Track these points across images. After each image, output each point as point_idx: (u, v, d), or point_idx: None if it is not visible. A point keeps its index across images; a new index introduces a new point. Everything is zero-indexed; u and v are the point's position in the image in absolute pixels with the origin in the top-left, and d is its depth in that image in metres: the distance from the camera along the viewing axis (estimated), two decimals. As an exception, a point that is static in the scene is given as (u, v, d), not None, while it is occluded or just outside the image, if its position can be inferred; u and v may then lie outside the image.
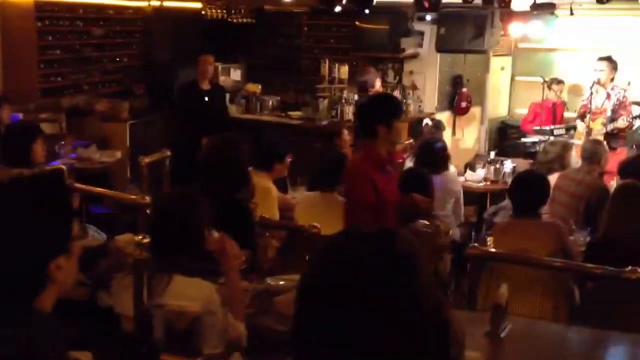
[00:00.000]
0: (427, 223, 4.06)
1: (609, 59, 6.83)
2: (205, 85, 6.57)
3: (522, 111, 8.50)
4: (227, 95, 7.39)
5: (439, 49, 7.04)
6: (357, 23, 7.41)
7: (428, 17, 6.99)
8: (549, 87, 7.53)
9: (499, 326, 2.94)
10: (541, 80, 7.53)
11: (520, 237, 4.07)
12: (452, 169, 5.63)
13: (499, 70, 8.55)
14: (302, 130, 6.77)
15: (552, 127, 7.15)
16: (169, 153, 5.26)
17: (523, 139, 7.61)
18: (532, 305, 3.92)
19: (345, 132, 5.97)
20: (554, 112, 7.48)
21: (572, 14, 6.25)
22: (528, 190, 4.15)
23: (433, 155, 5.28)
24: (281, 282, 3.13)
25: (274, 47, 8.69)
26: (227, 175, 3.39)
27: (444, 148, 5.47)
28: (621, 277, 3.45)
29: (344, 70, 7.09)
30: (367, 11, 6.72)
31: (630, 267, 3.47)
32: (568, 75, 7.83)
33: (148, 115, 7.26)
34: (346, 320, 0.97)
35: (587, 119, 6.69)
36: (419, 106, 7.46)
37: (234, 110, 7.48)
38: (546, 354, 2.91)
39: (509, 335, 2.99)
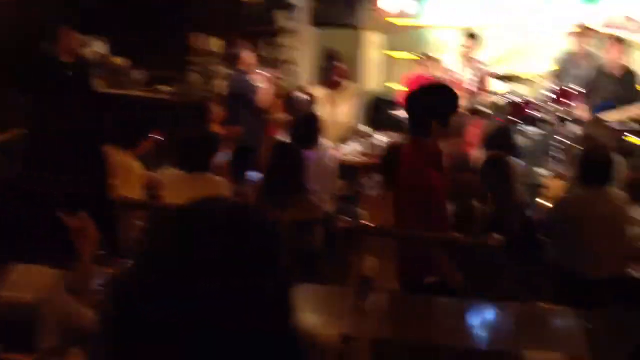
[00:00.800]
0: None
1: (474, 35, 7.06)
2: (68, 59, 6.15)
3: (395, 86, 8.66)
4: (92, 70, 6.95)
5: (313, 23, 6.98)
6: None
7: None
8: (421, 63, 7.68)
9: (364, 299, 2.94)
10: (413, 55, 7.67)
11: (391, 209, 4.11)
12: (327, 143, 5.61)
13: (372, 44, 8.63)
14: (172, 105, 6.51)
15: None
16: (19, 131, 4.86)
17: (396, 113, 7.72)
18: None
19: (216, 107, 5.79)
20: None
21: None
22: (396, 163, 4.19)
23: (308, 130, 5.22)
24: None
25: (143, 19, 8.27)
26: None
27: (319, 123, 5.42)
28: (482, 244, 3.58)
29: (215, 44, 6.87)
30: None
31: (490, 234, 3.61)
32: (439, 50, 8.01)
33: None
34: (195, 290, 0.88)
35: None
36: (294, 80, 7.38)
37: (99, 85, 7.06)
38: (412, 325, 2.95)
39: (376, 307, 3.00)
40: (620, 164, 5.11)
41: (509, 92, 7.02)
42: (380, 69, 8.90)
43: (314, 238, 4.40)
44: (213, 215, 0.96)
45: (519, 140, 6.88)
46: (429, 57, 7.65)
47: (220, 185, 4.35)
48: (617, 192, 4.10)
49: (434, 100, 3.47)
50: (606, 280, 3.78)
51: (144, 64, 7.27)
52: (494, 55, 7.85)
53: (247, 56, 6.46)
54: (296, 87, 7.24)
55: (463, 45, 6.94)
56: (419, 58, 7.56)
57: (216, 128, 5.90)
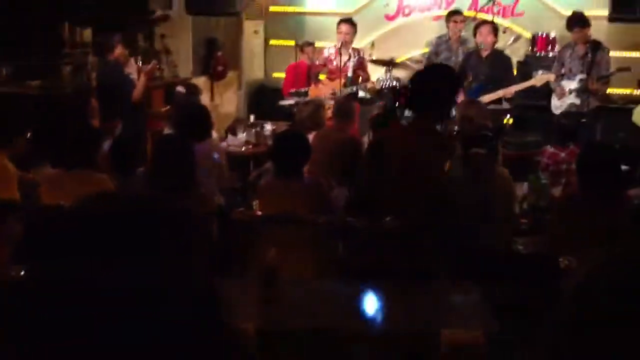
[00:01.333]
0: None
1: (349, 21, 7.12)
2: None
3: (278, 75, 8.62)
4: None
5: (189, 11, 6.78)
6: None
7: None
8: (302, 50, 7.69)
9: (269, 290, 2.89)
10: (294, 43, 7.66)
11: (285, 198, 4.07)
12: (214, 134, 5.47)
13: (253, 33, 8.54)
14: (44, 101, 6.09)
15: (307, 89, 7.33)
16: None
17: (281, 102, 7.69)
18: (302, 265, 3.95)
19: (94, 100, 5.48)
20: (309, 74, 7.67)
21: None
22: (289, 151, 4.14)
23: (195, 122, 5.04)
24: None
25: (9, 10, 7.68)
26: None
27: (207, 115, 5.25)
28: (381, 228, 3.62)
29: (87, 34, 6.50)
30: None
31: (388, 218, 3.66)
32: (321, 37, 8.05)
33: None
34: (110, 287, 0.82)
35: (325, 80, 7.03)
36: (174, 71, 7.15)
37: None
38: (316, 312, 2.93)
39: (280, 297, 2.96)
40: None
41: (388, 77, 7.17)
42: (262, 58, 8.83)
43: (209, 232, 4.30)
44: (112, 211, 0.90)
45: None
46: (310, 44, 7.67)
47: (102, 183, 4.13)
48: (501, 169, 4.28)
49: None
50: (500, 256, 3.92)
51: (11, 57, 6.75)
52: (370, 40, 8.00)
53: (119, 47, 6.16)
54: (177, 78, 7.02)
55: (339, 32, 6.99)
56: (300, 45, 7.56)
57: (94, 123, 5.59)
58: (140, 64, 6.43)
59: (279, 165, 4.22)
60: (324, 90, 7.08)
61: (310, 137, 5.43)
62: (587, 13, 6.59)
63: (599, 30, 6.72)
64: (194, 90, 6.14)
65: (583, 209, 3.58)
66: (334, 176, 5.12)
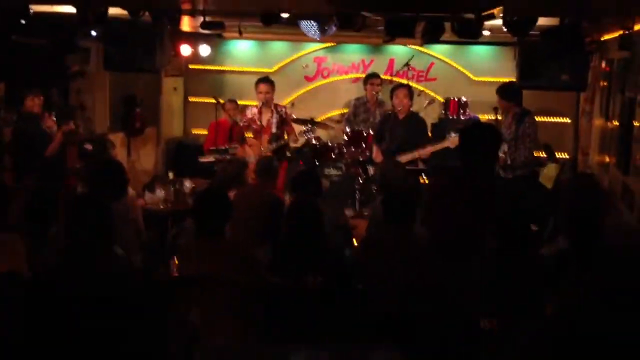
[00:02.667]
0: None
1: (267, 79, 7.22)
2: None
3: (197, 131, 8.59)
4: None
5: (107, 67, 6.67)
6: (13, 37, 6.61)
7: (94, 33, 6.56)
8: (223, 108, 7.71)
9: (191, 353, 2.81)
10: (215, 100, 7.67)
11: (206, 258, 3.97)
12: (131, 192, 5.33)
13: (172, 90, 8.51)
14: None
15: (227, 147, 7.31)
16: None
17: (201, 159, 7.63)
18: (226, 326, 3.85)
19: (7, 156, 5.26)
20: (231, 132, 7.66)
21: (240, 34, 6.47)
22: (211, 210, 4.07)
23: (111, 180, 4.88)
24: None
25: None
26: None
27: (123, 171, 5.11)
28: (302, 287, 3.60)
29: (1, 89, 6.28)
30: (23, 22, 6.01)
31: (310, 275, 3.64)
32: (241, 95, 8.11)
33: None
34: None
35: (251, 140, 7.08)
36: (89, 127, 6.99)
37: None
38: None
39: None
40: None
41: (309, 136, 7.28)
42: (182, 115, 8.79)
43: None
44: None
45: (323, 182, 7.16)
46: (232, 102, 7.70)
47: (10, 245, 3.93)
48: (420, 230, 4.36)
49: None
50: (413, 316, 3.94)
51: None
52: (289, 100, 8.14)
53: (34, 101, 6.00)
54: (92, 134, 6.85)
55: (261, 92, 7.08)
56: (221, 103, 7.57)
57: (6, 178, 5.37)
58: (54, 119, 6.26)
59: (200, 224, 4.14)
60: (252, 150, 7.10)
61: (231, 195, 5.40)
62: (496, 80, 6.97)
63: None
64: (106, 145, 5.98)
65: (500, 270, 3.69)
66: (255, 235, 5.09)
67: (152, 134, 8.06)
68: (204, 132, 7.98)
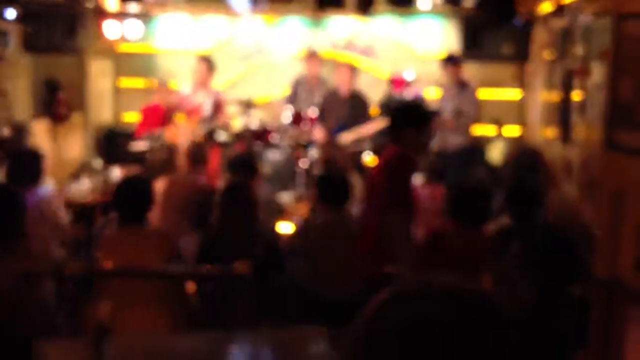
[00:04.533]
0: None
1: (207, 59, 6.88)
2: None
3: (129, 117, 8.13)
4: None
5: (27, 49, 6.22)
6: None
7: (10, 16, 6.07)
8: (156, 90, 7.29)
9: (101, 348, 2.51)
10: (146, 83, 7.27)
11: (129, 247, 3.72)
12: (49, 182, 4.93)
13: (100, 73, 8.00)
14: None
15: (160, 132, 6.92)
16: None
17: (132, 145, 7.20)
18: (148, 318, 3.58)
19: None
20: (164, 116, 7.27)
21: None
22: (132, 197, 3.82)
23: (25, 168, 4.50)
24: None
25: None
26: None
27: (38, 160, 4.70)
28: (230, 273, 3.35)
29: None
30: None
31: (237, 263, 3.39)
32: (173, 76, 7.68)
33: None
34: None
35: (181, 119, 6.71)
36: (9, 114, 6.49)
37: None
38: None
39: (116, 356, 2.59)
40: (358, 183, 5.27)
41: (247, 118, 6.94)
42: (111, 99, 8.29)
43: (41, 289, 3.80)
44: None
45: (262, 166, 6.84)
46: (163, 84, 7.29)
47: None
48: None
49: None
50: (347, 300, 3.76)
51: None
52: (228, 80, 7.77)
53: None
54: (13, 120, 6.37)
55: (196, 71, 6.72)
56: (153, 86, 7.17)
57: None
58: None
59: (122, 213, 3.85)
60: (181, 131, 6.70)
61: (162, 181, 5.07)
62: (439, 54, 6.77)
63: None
64: (21, 132, 5.55)
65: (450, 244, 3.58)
66: (185, 222, 4.81)
67: (79, 121, 7.57)
68: (137, 117, 7.53)
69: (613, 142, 3.36)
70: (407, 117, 3.79)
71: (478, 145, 6.81)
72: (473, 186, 4.16)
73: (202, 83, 6.76)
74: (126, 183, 3.99)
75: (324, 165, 5.25)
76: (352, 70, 6.81)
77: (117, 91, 8.22)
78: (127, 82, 8.13)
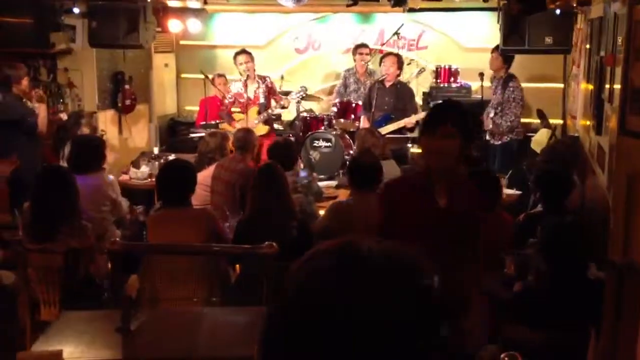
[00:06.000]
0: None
1: (245, 51, 7.14)
2: None
3: (191, 107, 8.59)
4: None
5: (92, 44, 6.71)
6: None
7: (76, 10, 6.58)
8: (212, 83, 7.70)
9: (128, 320, 2.83)
10: (205, 76, 7.67)
11: (173, 227, 4.03)
12: (107, 169, 5.37)
13: (163, 66, 8.51)
14: None
15: (217, 121, 7.31)
16: None
17: (192, 135, 7.65)
18: (187, 292, 3.89)
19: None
20: (221, 107, 7.64)
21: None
22: (173, 181, 4.12)
23: (84, 154, 4.92)
24: None
25: None
26: None
27: (98, 146, 5.13)
28: (258, 253, 3.59)
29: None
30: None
31: (266, 243, 3.63)
32: (232, 70, 8.05)
33: None
34: None
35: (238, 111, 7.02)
36: (79, 105, 7.03)
37: None
38: (180, 337, 2.88)
39: (145, 326, 2.90)
40: (393, 168, 5.45)
41: (298, 104, 7.25)
42: (174, 91, 8.79)
43: (93, 265, 4.20)
44: None
45: (312, 154, 7.13)
46: (221, 76, 7.68)
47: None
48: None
49: None
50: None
51: None
52: (281, 74, 8.08)
53: (21, 79, 6.05)
54: (82, 111, 6.89)
55: (241, 63, 7.02)
56: (210, 78, 7.56)
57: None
58: (41, 96, 6.31)
59: (164, 195, 4.19)
60: (240, 125, 7.07)
61: (212, 167, 5.42)
62: (487, 47, 6.85)
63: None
64: (77, 120, 6.02)
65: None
66: (232, 206, 5.11)
67: (144, 111, 8.08)
68: (197, 108, 7.98)
69: (626, 128, 3.43)
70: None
71: (524, 137, 6.86)
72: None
73: (250, 72, 7.04)
74: (166, 168, 4.30)
75: (360, 152, 5.47)
76: (397, 60, 6.96)
77: (180, 83, 8.71)
78: (188, 75, 8.60)
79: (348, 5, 5.38)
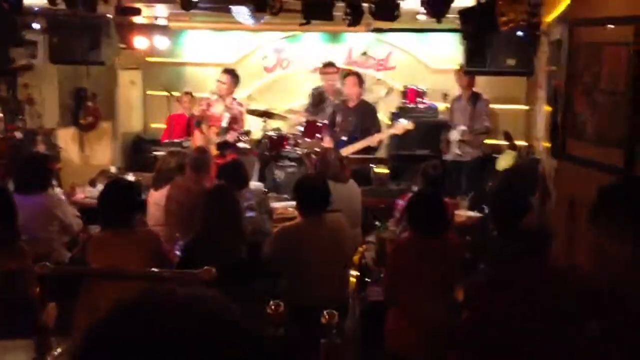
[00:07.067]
0: None
1: (231, 72, 7.08)
2: None
3: (157, 125, 8.48)
4: None
5: (53, 60, 6.61)
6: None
7: (37, 26, 6.49)
8: (179, 101, 7.60)
9: (43, 351, 2.71)
10: (172, 93, 7.59)
11: (114, 249, 3.89)
12: (57, 189, 5.24)
13: (129, 83, 8.39)
14: None
15: (182, 140, 7.21)
16: None
17: (155, 153, 7.52)
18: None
19: None
20: (188, 125, 7.55)
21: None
22: (115, 201, 3.97)
23: (27, 173, 4.77)
24: None
25: None
26: None
27: (43, 166, 4.98)
28: (195, 278, 3.49)
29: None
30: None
31: (205, 268, 3.52)
32: (200, 88, 7.98)
33: None
34: None
35: (203, 127, 6.89)
36: (37, 122, 6.91)
37: None
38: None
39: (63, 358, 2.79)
40: (354, 190, 5.35)
41: (265, 128, 7.17)
42: (140, 108, 8.67)
43: (28, 288, 4.05)
44: None
45: (277, 173, 7.03)
46: (187, 94, 7.59)
47: None
48: (334, 216, 4.24)
49: None
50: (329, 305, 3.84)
51: None
52: (250, 92, 8.00)
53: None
54: (41, 128, 6.77)
55: (220, 82, 6.94)
56: (174, 96, 7.47)
57: None
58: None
59: (106, 216, 4.05)
60: (199, 140, 6.96)
61: (167, 187, 5.30)
62: (453, 68, 6.82)
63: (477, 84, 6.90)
64: (34, 138, 5.90)
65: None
66: (185, 227, 4.98)
67: (107, 129, 7.96)
68: (164, 125, 7.87)
69: (566, 152, 3.39)
70: None
71: (489, 157, 6.82)
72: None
73: (225, 94, 6.95)
74: (108, 188, 4.16)
75: (305, 175, 5.37)
76: (359, 80, 6.89)
77: (147, 101, 8.59)
78: (155, 92, 8.48)
79: (301, 24, 5.30)
